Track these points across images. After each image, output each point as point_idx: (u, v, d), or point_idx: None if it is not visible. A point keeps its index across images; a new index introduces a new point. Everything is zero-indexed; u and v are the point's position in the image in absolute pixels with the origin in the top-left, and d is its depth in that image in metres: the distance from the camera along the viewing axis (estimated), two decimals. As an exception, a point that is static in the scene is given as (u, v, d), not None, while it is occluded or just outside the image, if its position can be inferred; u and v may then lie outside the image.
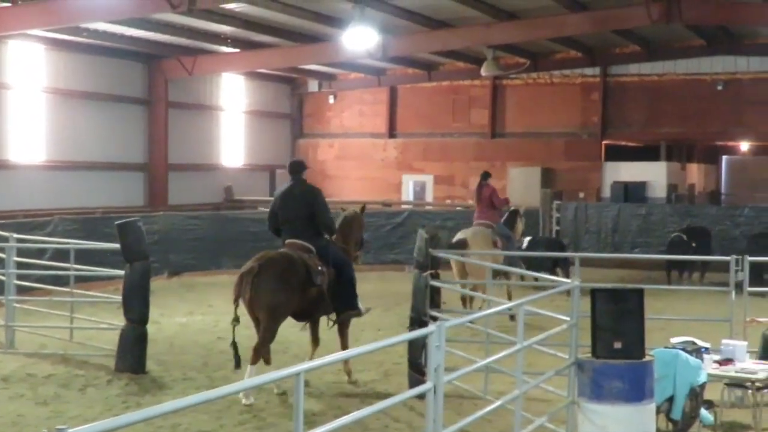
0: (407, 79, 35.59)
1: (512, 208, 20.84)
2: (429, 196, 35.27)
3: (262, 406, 11.22)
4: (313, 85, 37.04)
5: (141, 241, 13.55)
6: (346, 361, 12.49)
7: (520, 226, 20.50)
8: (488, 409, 8.12)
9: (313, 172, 36.44)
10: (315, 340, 12.92)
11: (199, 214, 25.93)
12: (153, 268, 22.62)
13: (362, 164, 35.93)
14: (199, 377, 12.89)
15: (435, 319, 11.06)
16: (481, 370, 10.48)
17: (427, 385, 6.55)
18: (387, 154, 36.13)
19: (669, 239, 24.17)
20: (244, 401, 11.23)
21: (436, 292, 12.24)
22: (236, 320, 11.70)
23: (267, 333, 11.83)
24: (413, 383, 10.94)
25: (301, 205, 12.36)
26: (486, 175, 19.04)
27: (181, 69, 29.52)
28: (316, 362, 6.13)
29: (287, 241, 12.49)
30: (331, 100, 37.01)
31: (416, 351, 11.24)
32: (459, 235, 17.78)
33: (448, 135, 35.23)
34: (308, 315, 12.53)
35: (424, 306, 11.92)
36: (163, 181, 30.07)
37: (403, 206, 31.19)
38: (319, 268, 12.10)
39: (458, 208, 30.92)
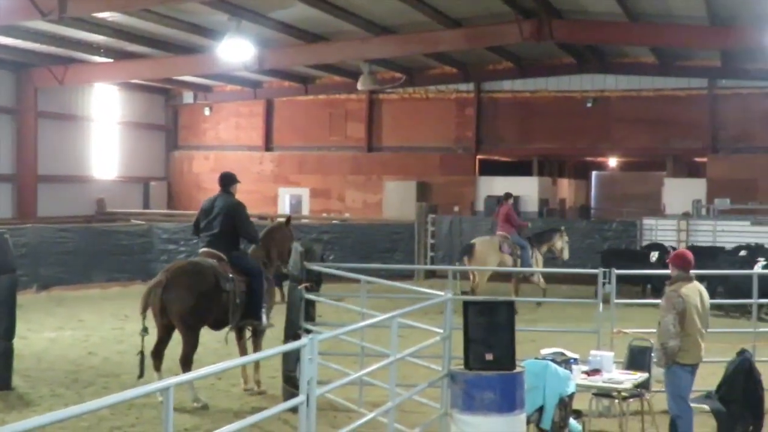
0: (284, 92, 35.53)
1: (557, 227, 23.46)
2: (305, 210, 35.24)
3: (132, 421, 11.01)
4: (188, 97, 36.71)
5: (7, 253, 13.15)
6: (256, 370, 12.78)
7: (559, 243, 22.36)
8: (361, 421, 8.13)
9: (188, 185, 36.27)
10: (243, 351, 12.97)
11: (70, 227, 25.31)
12: (21, 282, 22.02)
13: (238, 177, 35.60)
14: (67, 393, 12.56)
15: (309, 332, 11.03)
16: (355, 382, 10.50)
17: (299, 398, 6.53)
18: (263, 167, 35.99)
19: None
20: (195, 405, 11.63)
21: (311, 306, 12.21)
22: (145, 330, 11.73)
23: (188, 343, 11.96)
24: (287, 397, 10.89)
25: (221, 217, 12.59)
26: (507, 196, 22.42)
27: (52, 78, 28.88)
28: (188, 375, 6.04)
29: (201, 250, 12.77)
30: (207, 112, 36.72)
31: (290, 364, 11.19)
32: (472, 241, 21.77)
33: (325, 148, 35.30)
34: (223, 323, 12.54)
35: (299, 319, 11.89)
36: (31, 193, 29.34)
37: (279, 219, 30.97)
38: (230, 275, 12.24)
39: (335, 222, 30.94)
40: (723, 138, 31.59)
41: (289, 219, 14.48)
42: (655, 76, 31.50)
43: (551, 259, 22.92)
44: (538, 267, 21.53)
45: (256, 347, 12.85)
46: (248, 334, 13.02)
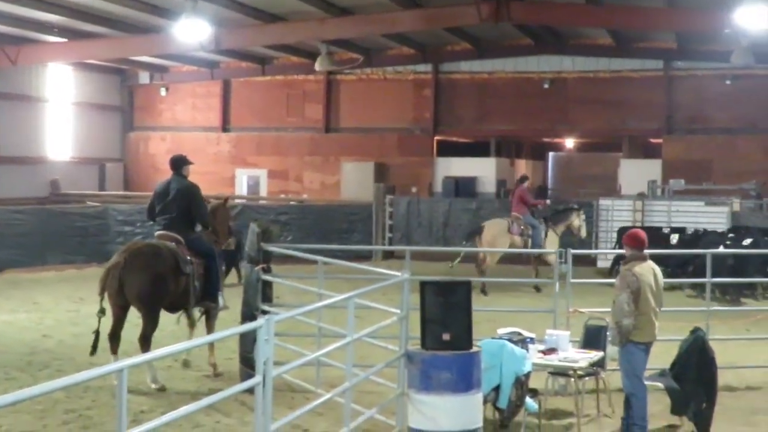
0: (241, 73, 35.32)
1: (572, 206, 23.66)
2: (263, 191, 35.10)
3: (88, 404, 10.94)
4: (144, 77, 36.38)
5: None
6: (211, 353, 12.76)
7: (576, 221, 22.40)
8: (318, 402, 8.13)
9: (144, 166, 35.99)
10: (193, 331, 12.95)
11: (24, 209, 25.06)
12: (-26, 265, 21.89)
13: (195, 158, 34.57)
14: (22, 376, 12.44)
15: (266, 313, 11.01)
16: (312, 363, 10.50)
17: (255, 379, 6.51)
18: (220, 148, 35.79)
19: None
20: (153, 386, 11.65)
21: (267, 287, 12.19)
22: (102, 312, 11.69)
23: (148, 323, 11.96)
24: (245, 378, 10.86)
25: (177, 201, 12.55)
26: (522, 179, 23.08)
27: (4, 58, 28.47)
28: (141, 357, 6.00)
29: (158, 233, 12.68)
30: (163, 92, 36.40)
31: (247, 345, 11.16)
32: (482, 223, 22.25)
33: (282, 129, 35.15)
34: (180, 306, 12.57)
35: (256, 300, 11.86)
36: (-15, 174, 28.99)
37: (237, 201, 30.85)
38: (188, 257, 12.25)
39: (292, 203, 30.87)
40: (678, 119, 31.85)
41: (226, 199, 14.72)
42: (611, 57, 31.65)
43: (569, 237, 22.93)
44: (552, 247, 21.46)
45: (210, 329, 12.85)
46: (198, 315, 12.99)
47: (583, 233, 22.68)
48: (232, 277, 19.87)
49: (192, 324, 12.98)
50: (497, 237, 21.49)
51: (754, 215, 26.06)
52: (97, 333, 11.64)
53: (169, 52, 29.83)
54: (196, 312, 12.97)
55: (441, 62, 33.57)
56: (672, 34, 29.60)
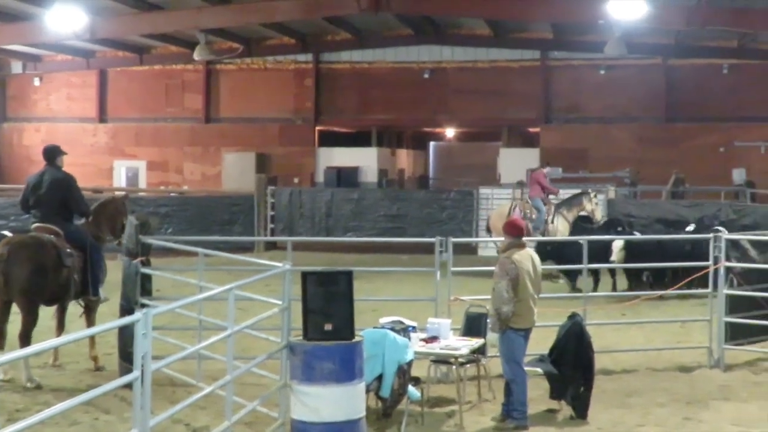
0: (118, 62, 34.68)
1: (590, 191, 22.78)
2: (142, 183, 34.54)
3: (-39, 404, 10.60)
4: (16, 67, 35.35)
5: None
6: (92, 347, 12.47)
7: (588, 206, 21.74)
8: (198, 396, 8.04)
9: (19, 158, 35.03)
10: (61, 326, 12.59)
11: None
12: None
13: (71, 150, 33.96)
14: None
15: (145, 306, 10.81)
16: (193, 356, 10.38)
17: (133, 374, 6.40)
18: (97, 140, 35.08)
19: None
20: (28, 384, 11.31)
21: (147, 280, 11.98)
22: None
23: (28, 318, 11.67)
24: (124, 373, 10.66)
25: (52, 191, 12.23)
26: (541, 165, 23.56)
27: None
28: (14, 354, 5.84)
29: (35, 225, 12.33)
30: (37, 82, 35.52)
31: (127, 340, 10.95)
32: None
33: (161, 120, 34.65)
34: (58, 299, 12.26)
35: (135, 294, 11.64)
36: None
37: (116, 193, 30.21)
38: (68, 249, 11.97)
39: (172, 194, 30.45)
40: (555, 108, 32.50)
41: (126, 195, 14.43)
42: (489, 47, 32.09)
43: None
44: (561, 233, 21.30)
45: (90, 323, 12.57)
46: (81, 311, 12.73)
47: (598, 216, 22.03)
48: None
49: (61, 323, 12.61)
50: (499, 220, 21.68)
51: (629, 202, 26.72)
52: None
53: (42, 40, 29.08)
54: (77, 305, 12.68)
55: (321, 52, 33.55)
56: (548, 25, 30.14)
